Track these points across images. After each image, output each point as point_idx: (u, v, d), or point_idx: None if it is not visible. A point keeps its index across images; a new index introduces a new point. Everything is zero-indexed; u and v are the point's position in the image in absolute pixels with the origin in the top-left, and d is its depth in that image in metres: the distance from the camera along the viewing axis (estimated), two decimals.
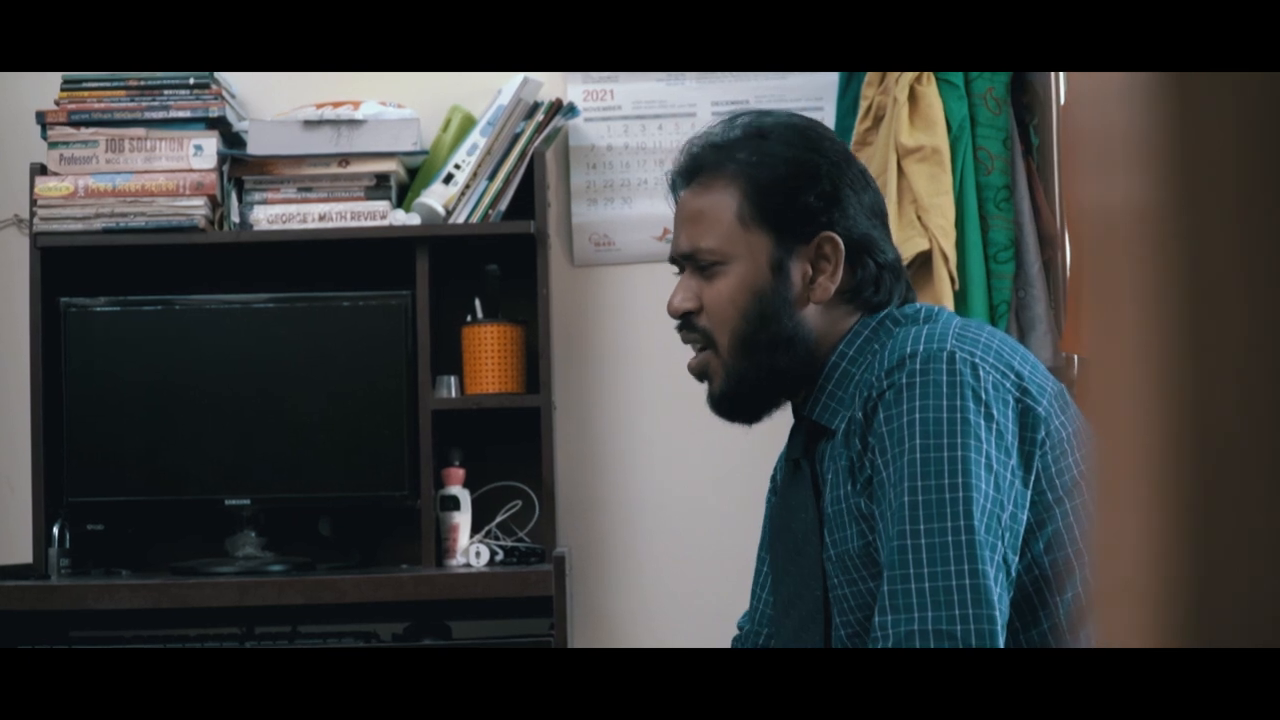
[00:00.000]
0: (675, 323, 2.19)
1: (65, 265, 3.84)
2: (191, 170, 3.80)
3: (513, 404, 3.81)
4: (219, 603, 3.57)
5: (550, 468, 3.78)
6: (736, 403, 2.14)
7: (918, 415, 1.90)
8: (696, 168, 2.15)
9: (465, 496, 3.83)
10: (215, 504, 3.80)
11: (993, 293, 3.52)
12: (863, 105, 3.64)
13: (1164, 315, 0.49)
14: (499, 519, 3.89)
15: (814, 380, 2.10)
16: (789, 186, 2.08)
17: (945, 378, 1.91)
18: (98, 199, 3.78)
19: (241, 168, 3.86)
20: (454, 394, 3.83)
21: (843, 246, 2.07)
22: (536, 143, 3.85)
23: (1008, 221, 3.55)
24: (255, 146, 3.83)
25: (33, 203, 3.80)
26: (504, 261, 3.86)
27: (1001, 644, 1.84)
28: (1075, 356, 3.61)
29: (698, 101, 4.09)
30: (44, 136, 3.84)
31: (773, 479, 2.31)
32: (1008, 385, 1.94)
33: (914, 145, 3.49)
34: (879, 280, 2.10)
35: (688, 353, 2.20)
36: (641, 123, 4.09)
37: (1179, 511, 0.51)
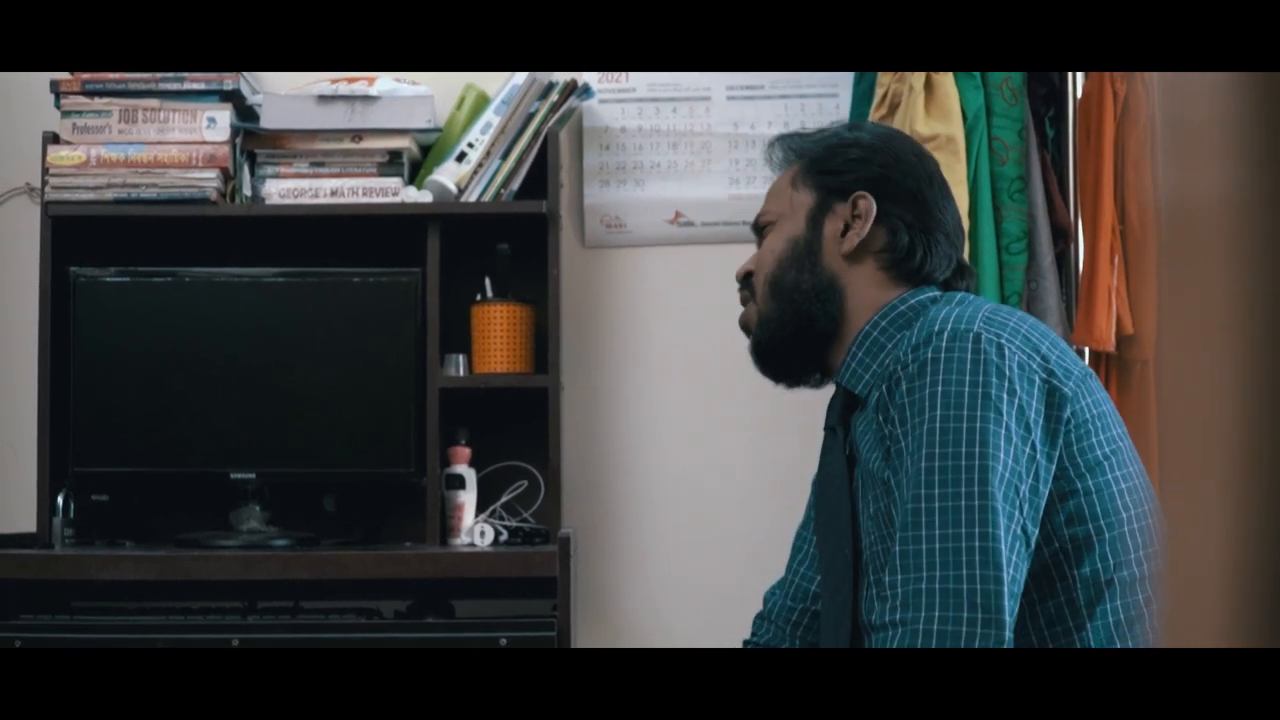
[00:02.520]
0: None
1: (76, 235, 3.83)
2: (204, 142, 3.79)
3: (521, 384, 3.81)
4: (222, 576, 3.57)
5: (557, 448, 3.78)
6: (768, 351, 2.27)
7: (940, 389, 1.96)
8: (780, 151, 2.35)
9: (471, 475, 3.83)
10: (221, 477, 3.80)
11: (1004, 284, 3.51)
12: (878, 93, 3.63)
13: (1250, 306, 0.49)
14: (504, 499, 3.88)
15: (847, 347, 2.19)
16: (837, 151, 2.26)
17: (970, 355, 1.97)
18: (109, 169, 3.77)
19: (254, 141, 3.85)
20: (462, 373, 3.83)
21: (874, 205, 2.20)
22: (550, 123, 3.84)
23: (1021, 213, 3.54)
24: (268, 120, 3.82)
25: (44, 171, 3.79)
26: (515, 241, 3.85)
27: (1007, 607, 1.87)
28: (1087, 348, 3.61)
29: (712, 85, 4.08)
30: (57, 105, 3.84)
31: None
32: (1034, 365, 2.00)
33: (929, 134, 3.48)
34: (913, 249, 2.20)
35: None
36: (655, 105, 4.08)
37: (1259, 510, 0.50)
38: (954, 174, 3.47)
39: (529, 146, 3.83)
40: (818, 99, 4.05)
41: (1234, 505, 0.53)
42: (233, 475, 3.79)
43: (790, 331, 2.22)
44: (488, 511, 3.85)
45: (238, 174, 3.83)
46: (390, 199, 3.79)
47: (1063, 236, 3.64)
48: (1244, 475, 0.52)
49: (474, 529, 3.76)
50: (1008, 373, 1.96)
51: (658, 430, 4.05)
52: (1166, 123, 0.53)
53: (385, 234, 3.88)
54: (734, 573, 3.92)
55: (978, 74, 3.55)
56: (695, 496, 4.02)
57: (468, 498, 3.82)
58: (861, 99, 3.75)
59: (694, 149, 4.06)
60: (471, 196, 3.80)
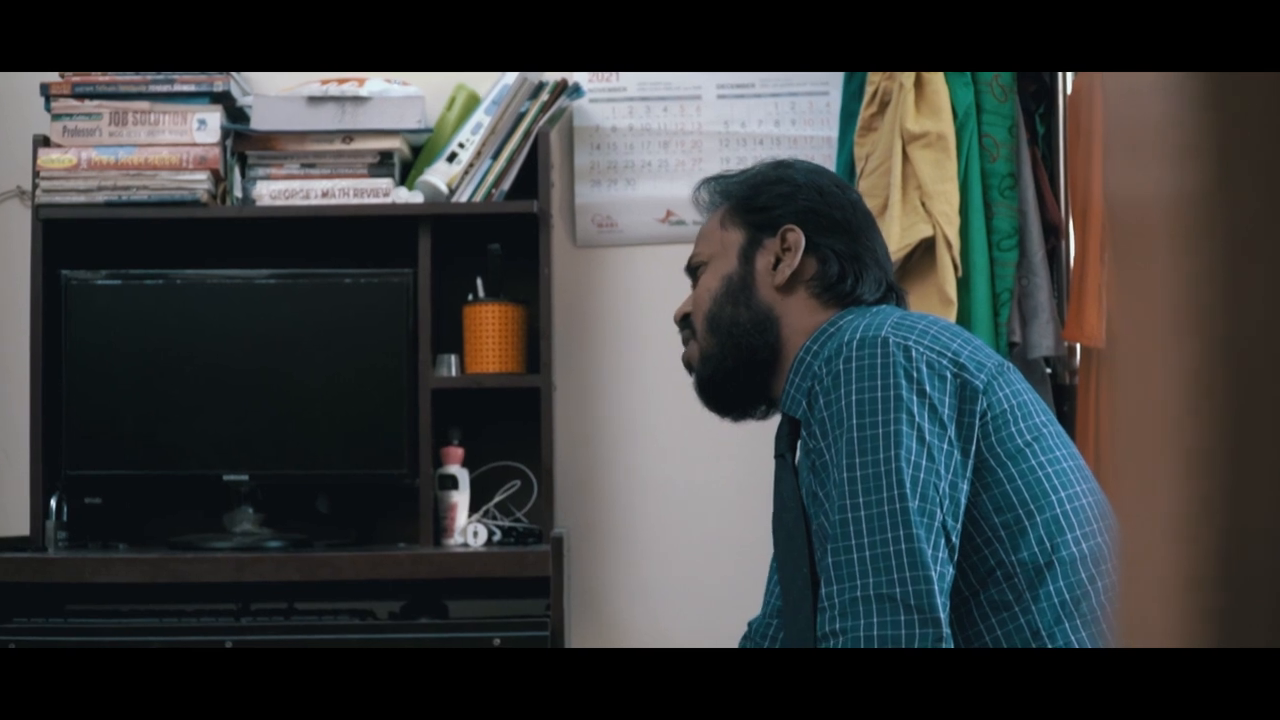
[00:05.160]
0: (676, 308, 2.37)
1: (67, 238, 3.83)
2: (195, 144, 3.79)
3: (513, 384, 3.81)
4: (216, 578, 3.57)
5: (549, 448, 3.78)
6: (712, 385, 2.33)
7: (854, 397, 2.03)
8: (706, 195, 2.42)
9: (464, 476, 3.83)
10: (214, 479, 3.80)
11: (995, 280, 3.51)
12: (869, 90, 3.63)
13: (1198, 304, 0.49)
14: (497, 499, 3.88)
15: (787, 374, 2.25)
16: (762, 189, 2.34)
17: (880, 360, 2.04)
18: (100, 172, 3.77)
19: (245, 143, 3.85)
20: (454, 373, 3.83)
21: (802, 237, 2.27)
22: (541, 123, 3.84)
23: (1012, 209, 3.54)
24: (259, 122, 3.82)
25: (35, 174, 3.79)
26: (506, 241, 3.85)
27: (940, 605, 1.92)
28: (1078, 345, 3.61)
29: (703, 84, 4.08)
30: (47, 108, 3.83)
31: None
32: (943, 363, 2.06)
33: (919, 131, 3.48)
34: (843, 275, 2.27)
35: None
36: (646, 104, 4.08)
37: (1210, 510, 0.50)
38: (945, 171, 3.47)
39: (520, 146, 3.83)
40: (809, 97, 4.05)
41: (1181, 504, 0.53)
42: (225, 477, 3.79)
43: (732, 365, 2.28)
44: (481, 512, 3.85)
45: (228, 176, 3.82)
46: (381, 200, 3.79)
47: (1054, 233, 3.64)
48: (1192, 472, 0.52)
49: (467, 529, 3.76)
50: (915, 374, 2.03)
51: (650, 429, 4.05)
52: (1113, 121, 0.53)
53: (376, 235, 3.88)
54: (726, 571, 3.92)
55: (968, 71, 3.54)
56: (688, 496, 4.02)
57: (460, 498, 3.82)
58: (852, 97, 3.75)
59: (685, 148, 4.06)
60: (463, 197, 3.80)
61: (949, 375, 2.05)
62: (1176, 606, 0.53)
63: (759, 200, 2.31)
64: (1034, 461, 2.06)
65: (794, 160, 2.40)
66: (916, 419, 2.00)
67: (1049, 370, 3.64)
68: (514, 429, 3.91)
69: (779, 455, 2.29)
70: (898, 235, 3.43)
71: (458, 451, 3.85)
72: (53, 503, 3.76)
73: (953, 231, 3.44)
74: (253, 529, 3.79)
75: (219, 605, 3.66)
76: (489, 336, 3.81)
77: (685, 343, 2.38)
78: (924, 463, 1.99)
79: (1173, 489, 0.52)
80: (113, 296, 3.82)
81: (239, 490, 3.81)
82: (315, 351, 3.81)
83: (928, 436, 2.00)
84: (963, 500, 2.02)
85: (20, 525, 3.83)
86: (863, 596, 1.93)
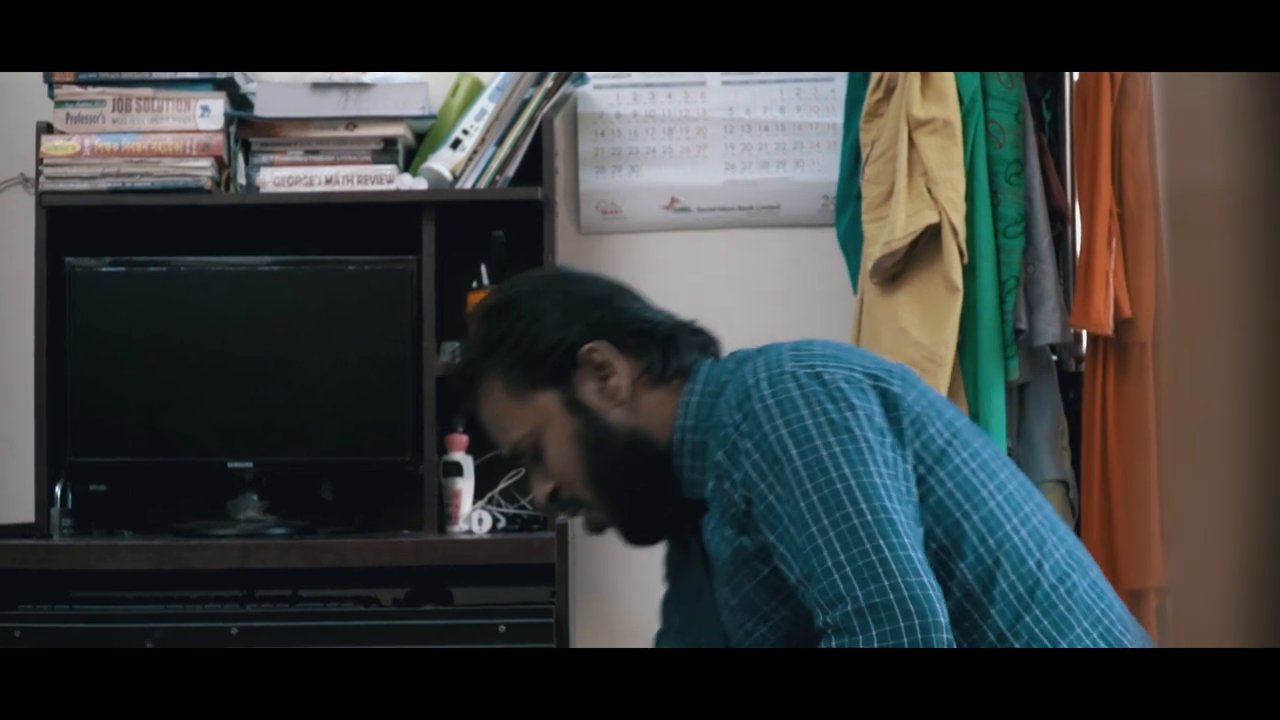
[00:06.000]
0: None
1: (70, 225, 3.82)
2: (198, 131, 3.79)
3: None
4: (220, 565, 3.57)
5: None
6: (640, 531, 2.22)
7: (784, 430, 1.97)
8: (468, 388, 2.25)
9: (468, 463, 3.83)
10: (218, 466, 3.80)
11: (1001, 267, 3.50)
12: (874, 76, 3.62)
13: (1254, 293, 0.48)
14: (502, 485, 3.88)
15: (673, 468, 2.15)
16: (529, 342, 2.16)
17: (796, 392, 1.99)
18: (104, 159, 3.76)
19: (248, 129, 3.84)
20: (458, 360, 3.82)
21: (606, 345, 2.14)
22: (545, 109, 3.83)
23: (1018, 196, 3.54)
24: (262, 108, 3.82)
25: (39, 162, 3.78)
26: (510, 228, 3.84)
27: (935, 599, 1.86)
28: (1084, 331, 3.60)
29: (707, 71, 4.06)
30: (51, 95, 3.83)
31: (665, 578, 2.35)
32: (857, 376, 2.02)
33: (925, 117, 3.47)
34: (661, 351, 2.16)
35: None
36: (651, 91, 4.07)
37: (1261, 497, 0.50)
38: (951, 157, 3.46)
39: (524, 133, 3.82)
40: (814, 83, 4.05)
41: (1236, 492, 0.52)
42: (230, 464, 3.79)
43: (638, 500, 2.16)
44: (485, 498, 3.84)
45: (232, 162, 3.82)
46: (385, 186, 3.78)
47: (1060, 219, 3.63)
48: (1247, 462, 0.51)
49: (472, 516, 3.76)
50: (837, 394, 1.98)
51: None
52: (1167, 108, 0.53)
53: (380, 222, 3.87)
54: None
55: (975, 70, 3.53)
56: None
57: (465, 485, 3.81)
58: (858, 83, 3.74)
59: (689, 134, 4.05)
60: (466, 183, 3.79)
61: (868, 387, 2.01)
62: (1232, 594, 0.52)
63: (536, 351, 2.15)
64: (957, 461, 2.01)
65: (516, 280, 2.29)
66: (856, 433, 1.95)
67: (1054, 357, 3.64)
68: None
69: (678, 545, 2.23)
70: (903, 222, 3.42)
71: (462, 438, 3.84)
72: (57, 490, 3.76)
73: (958, 218, 3.43)
74: (257, 516, 3.79)
75: (223, 592, 3.66)
76: None
77: (573, 515, 2.27)
78: (876, 469, 1.94)
79: (1230, 473, 0.51)
80: (116, 284, 3.82)
81: (243, 477, 3.81)
82: (319, 339, 3.80)
83: (873, 446, 1.96)
84: (916, 504, 1.97)
85: (25, 512, 3.82)
86: (855, 610, 1.85)
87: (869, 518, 1.89)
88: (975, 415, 3.44)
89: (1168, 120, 0.53)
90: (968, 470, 2.01)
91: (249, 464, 3.79)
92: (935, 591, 1.87)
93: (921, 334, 3.43)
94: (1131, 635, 2.03)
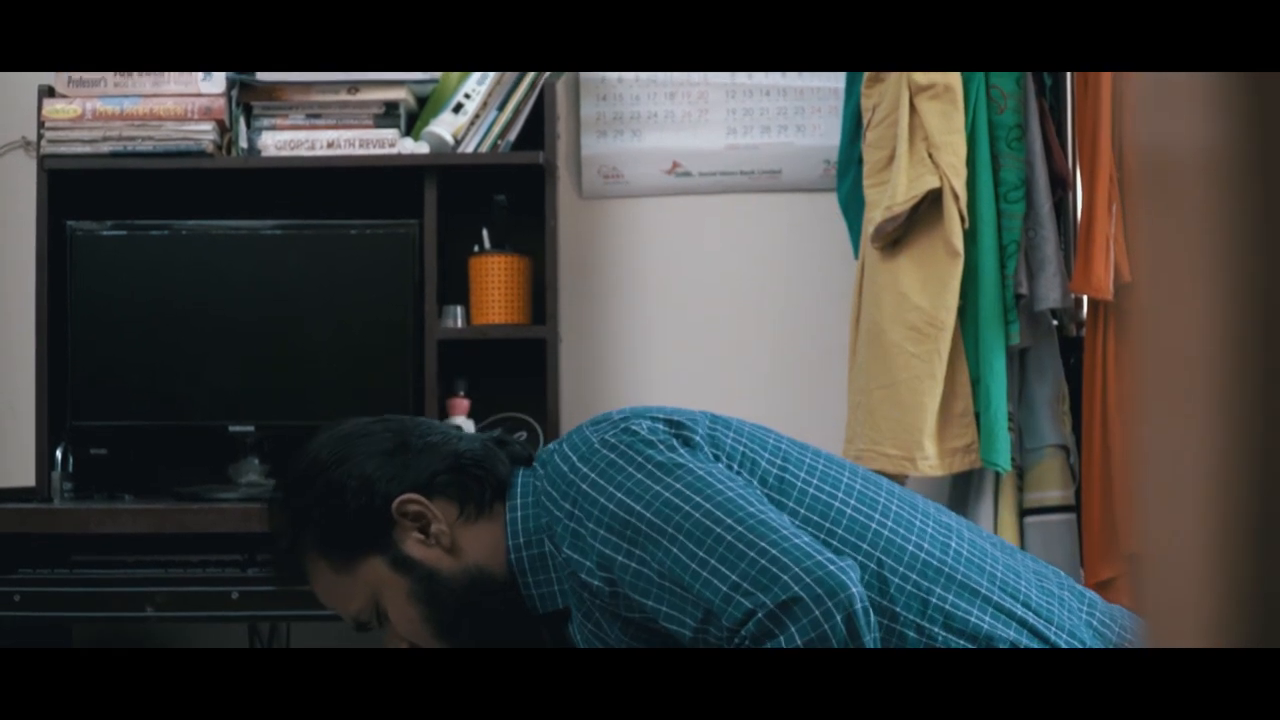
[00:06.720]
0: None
1: (72, 189, 3.82)
2: (200, 95, 3.78)
3: (519, 335, 3.81)
4: (221, 529, 3.57)
5: (555, 399, 3.78)
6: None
7: (619, 495, 1.92)
8: (293, 564, 2.15)
9: (470, 426, 3.83)
10: (219, 430, 3.80)
11: (1002, 233, 3.50)
12: None
13: (1230, 250, 0.48)
14: None
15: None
16: (333, 519, 2.07)
17: (614, 455, 1.95)
18: (105, 122, 3.76)
19: (250, 93, 3.84)
20: (460, 324, 3.82)
21: (417, 496, 2.06)
22: (547, 74, 3.83)
23: (1019, 161, 3.53)
24: (264, 72, 3.81)
25: (40, 125, 3.78)
26: (512, 192, 3.84)
27: (837, 568, 1.78)
28: (1085, 297, 3.60)
29: None
30: None
31: None
32: (659, 426, 1.98)
33: (927, 83, 3.47)
34: (475, 482, 2.08)
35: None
36: None
37: (1240, 462, 0.50)
38: (952, 122, 3.46)
39: (525, 97, 3.82)
40: None
41: (1211, 457, 0.52)
42: (231, 428, 3.79)
43: (496, 637, 2.08)
44: None
45: (234, 126, 3.81)
46: (387, 150, 3.78)
47: (1061, 185, 3.63)
48: (1221, 426, 0.51)
49: None
50: (655, 438, 1.95)
51: (655, 380, 4.05)
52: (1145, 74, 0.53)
53: (382, 186, 3.87)
54: None
55: (978, 71, 3.52)
56: None
57: None
58: None
59: (691, 99, 4.05)
60: (468, 148, 3.79)
61: (670, 435, 1.96)
62: (1209, 565, 0.52)
63: (346, 520, 2.06)
64: (800, 485, 1.96)
65: (304, 454, 2.17)
66: (688, 465, 1.91)
67: (1055, 323, 3.64)
68: (520, 380, 3.90)
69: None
70: (904, 187, 3.42)
71: (463, 403, 3.85)
72: (58, 454, 3.77)
73: (959, 183, 3.42)
74: (258, 480, 3.80)
75: (224, 556, 3.66)
76: (495, 288, 3.81)
77: None
78: (725, 485, 1.89)
79: (1201, 437, 0.51)
80: (118, 247, 3.82)
81: (244, 441, 3.82)
82: (321, 303, 3.80)
83: (711, 469, 1.92)
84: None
85: (26, 476, 3.83)
86: (768, 616, 1.76)
87: (740, 529, 1.83)
88: (976, 380, 3.44)
89: (1145, 82, 0.53)
90: (812, 490, 1.96)
91: (250, 428, 3.79)
92: (835, 561, 1.79)
93: (922, 299, 3.43)
94: (1020, 577, 1.98)
